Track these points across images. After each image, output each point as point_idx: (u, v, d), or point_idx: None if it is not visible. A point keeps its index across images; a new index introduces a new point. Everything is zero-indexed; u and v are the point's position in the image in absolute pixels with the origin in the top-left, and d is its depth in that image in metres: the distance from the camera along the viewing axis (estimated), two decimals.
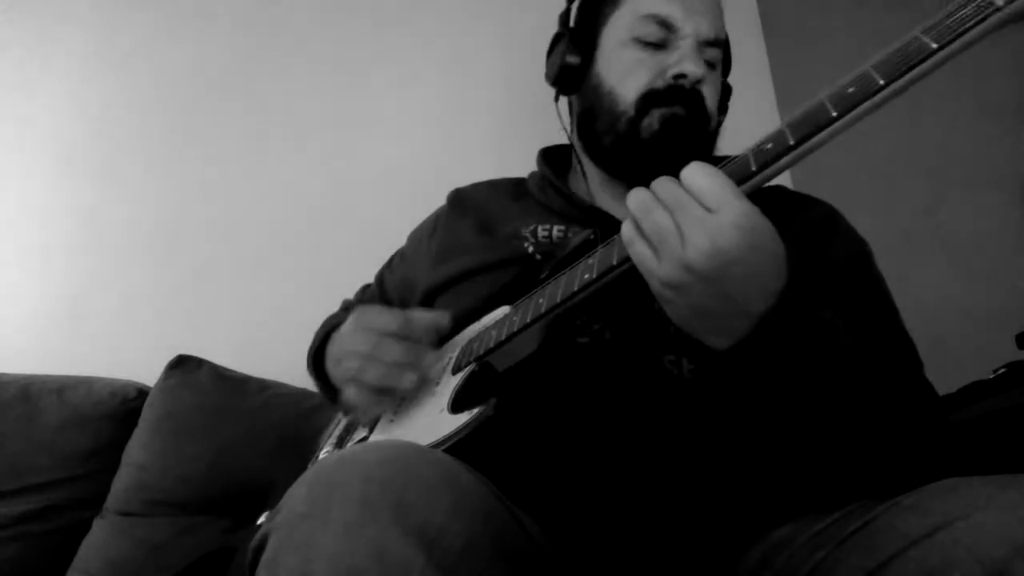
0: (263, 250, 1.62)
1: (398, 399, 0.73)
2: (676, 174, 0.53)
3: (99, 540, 1.18)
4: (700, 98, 0.81)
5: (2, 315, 1.54)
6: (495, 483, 0.56)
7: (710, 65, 0.83)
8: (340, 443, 0.81)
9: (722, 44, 0.85)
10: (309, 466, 0.81)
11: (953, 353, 1.39)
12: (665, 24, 0.81)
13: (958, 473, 0.53)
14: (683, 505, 0.66)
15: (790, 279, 0.53)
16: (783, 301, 0.52)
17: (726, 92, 0.92)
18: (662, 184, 0.53)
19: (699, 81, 0.80)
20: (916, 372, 0.73)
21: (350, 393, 0.70)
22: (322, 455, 0.82)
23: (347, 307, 1.04)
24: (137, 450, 1.26)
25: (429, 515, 0.42)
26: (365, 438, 0.75)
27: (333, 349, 0.81)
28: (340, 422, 0.88)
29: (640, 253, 0.53)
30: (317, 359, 0.90)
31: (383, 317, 0.71)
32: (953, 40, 0.45)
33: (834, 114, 0.49)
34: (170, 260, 1.61)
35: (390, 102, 1.72)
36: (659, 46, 0.81)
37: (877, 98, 0.47)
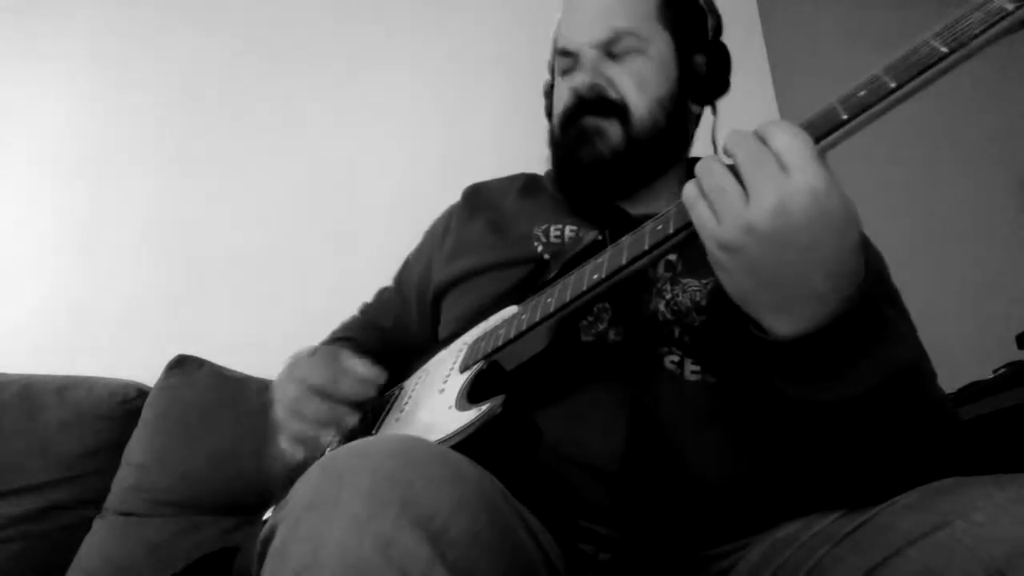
0: (263, 250, 1.62)
1: (322, 447, 0.77)
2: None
3: (99, 540, 1.18)
4: (603, 98, 0.82)
5: (2, 315, 1.54)
6: (501, 480, 0.56)
7: (622, 55, 0.83)
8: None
9: (627, 33, 0.83)
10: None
11: (953, 353, 1.39)
12: (566, 52, 0.86)
13: (958, 473, 0.53)
14: (685, 503, 0.66)
15: (868, 272, 0.51)
16: (863, 292, 0.50)
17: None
18: (737, 137, 0.50)
19: (592, 87, 0.83)
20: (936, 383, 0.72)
21: (281, 438, 0.75)
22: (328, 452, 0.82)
23: (364, 311, 1.05)
24: (137, 450, 1.26)
25: (435, 509, 0.43)
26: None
27: (274, 390, 0.81)
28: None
29: (700, 214, 0.51)
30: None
31: (313, 371, 0.74)
32: (963, 45, 0.46)
33: (844, 117, 0.49)
34: (170, 260, 1.61)
35: (393, 102, 1.72)
36: (572, 71, 0.86)
37: (887, 101, 0.48)
